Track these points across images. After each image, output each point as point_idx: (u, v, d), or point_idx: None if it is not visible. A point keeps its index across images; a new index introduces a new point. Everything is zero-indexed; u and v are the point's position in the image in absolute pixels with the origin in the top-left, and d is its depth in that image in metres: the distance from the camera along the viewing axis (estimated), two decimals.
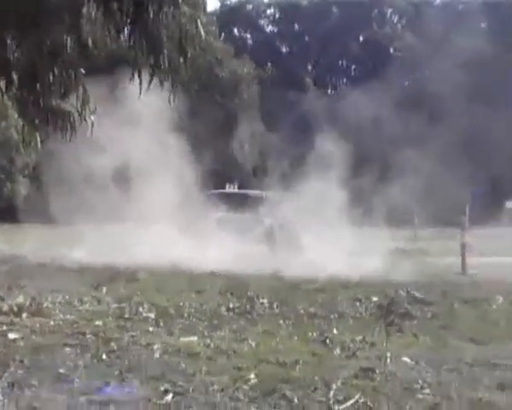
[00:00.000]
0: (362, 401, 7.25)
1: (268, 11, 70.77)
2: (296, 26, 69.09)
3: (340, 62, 68.29)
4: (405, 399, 7.29)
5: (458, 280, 19.32)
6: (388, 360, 9.11)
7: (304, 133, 50.74)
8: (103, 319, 12.17)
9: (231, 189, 32.27)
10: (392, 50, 64.88)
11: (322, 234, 24.99)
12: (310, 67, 67.51)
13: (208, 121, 43.74)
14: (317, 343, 10.51)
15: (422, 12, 63.07)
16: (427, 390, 7.71)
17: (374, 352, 9.68)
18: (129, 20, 9.59)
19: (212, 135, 42.07)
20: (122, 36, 10.09)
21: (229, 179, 40.25)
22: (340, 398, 7.40)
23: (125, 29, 9.75)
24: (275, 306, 14.11)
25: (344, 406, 7.15)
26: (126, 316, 12.63)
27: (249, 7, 70.11)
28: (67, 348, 9.77)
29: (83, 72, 10.02)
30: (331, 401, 7.29)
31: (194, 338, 10.71)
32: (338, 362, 9.19)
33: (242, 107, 53.00)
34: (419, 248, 28.17)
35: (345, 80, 67.24)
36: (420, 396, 7.50)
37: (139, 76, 9.98)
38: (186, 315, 12.87)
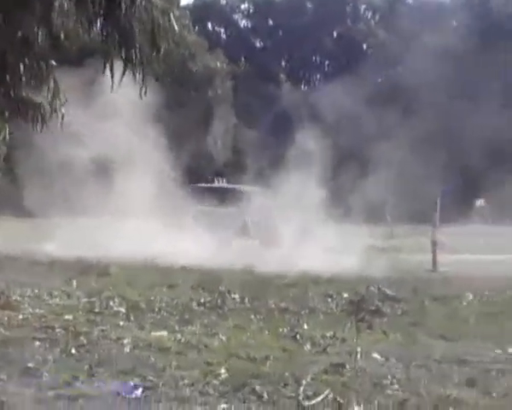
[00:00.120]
0: (331, 396, 7.25)
1: (242, 6, 70.62)
2: (270, 21, 68.98)
3: (314, 58, 68.28)
4: (374, 394, 7.31)
5: (429, 277, 19.44)
6: (358, 356, 9.12)
7: (279, 128, 50.76)
8: (73, 313, 12.09)
9: (219, 183, 32.14)
10: (365, 46, 64.99)
11: (299, 230, 25.08)
12: (283, 63, 67.46)
13: (182, 116, 43.62)
14: (288, 339, 10.52)
15: (396, 8, 63.29)
16: (397, 386, 7.73)
17: (344, 348, 9.70)
18: (101, 13, 9.54)
19: (186, 129, 41.95)
20: (95, 28, 10.03)
21: (202, 173, 40.19)
22: (310, 393, 7.39)
23: (98, 21, 9.69)
24: (246, 301, 14.11)
25: (314, 401, 7.14)
26: (97, 310, 12.57)
27: (223, 1, 69.94)
28: (36, 342, 9.69)
29: (54, 63, 9.95)
30: (301, 397, 7.28)
31: (165, 333, 10.67)
32: (308, 358, 9.19)
33: (216, 101, 52.86)
34: (391, 245, 28.31)
35: (318, 76, 67.29)
36: (389, 392, 7.53)
37: (111, 69, 9.93)
38: (157, 310, 12.82)
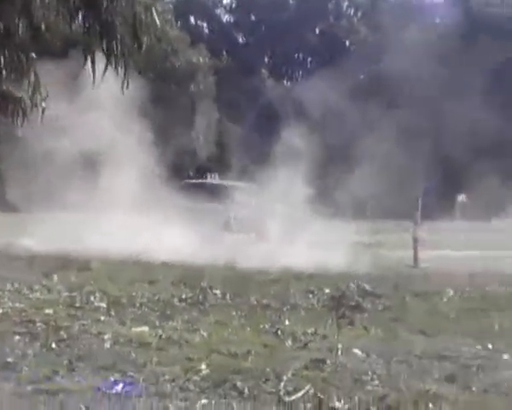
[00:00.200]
0: (312, 392, 7.26)
1: (224, 1, 70.53)
2: (253, 17, 68.92)
3: (297, 54, 68.31)
4: (355, 390, 7.33)
5: (410, 273, 19.51)
6: (339, 352, 9.14)
7: (262, 124, 50.79)
8: (54, 307, 12.05)
9: (212, 179, 32.10)
10: (348, 43, 65.07)
11: (284, 226, 25.13)
12: (266, 58, 67.43)
13: (164, 111, 43.52)
14: (269, 335, 10.53)
15: (378, 5, 63.38)
16: (377, 382, 7.75)
17: (325, 344, 9.71)
18: (82, 5, 9.48)
19: (169, 124, 41.85)
20: (76, 21, 9.97)
21: (185, 169, 40.16)
22: (291, 389, 7.40)
23: (79, 14, 9.63)
24: (228, 296, 14.11)
25: (294, 397, 7.15)
26: (77, 305, 12.54)
27: None
28: (16, 337, 9.65)
29: (34, 56, 9.88)
30: (282, 392, 7.28)
31: (146, 328, 10.65)
32: (289, 353, 9.20)
33: (199, 96, 52.80)
34: (374, 241, 28.35)
35: (301, 72, 67.30)
36: (369, 388, 7.55)
37: (92, 62, 9.87)
38: (138, 305, 12.80)
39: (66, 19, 9.76)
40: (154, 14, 9.89)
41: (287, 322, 11.46)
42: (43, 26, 9.61)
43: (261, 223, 26.37)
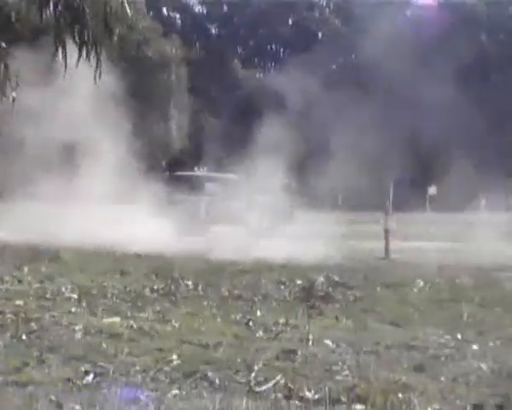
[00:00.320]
0: (283, 382, 7.29)
1: None
2: (225, 8, 68.86)
3: (269, 45, 68.35)
4: (325, 380, 7.37)
5: (381, 264, 19.63)
6: (310, 343, 9.19)
7: (235, 115, 50.76)
8: (24, 298, 11.99)
9: (200, 171, 32.05)
10: (320, 35, 65.19)
11: (259, 217, 25.19)
12: (239, 50, 67.41)
13: (137, 101, 43.39)
14: (241, 325, 10.55)
15: None
16: (347, 372, 7.80)
17: (296, 334, 9.75)
18: None
19: (142, 115, 41.73)
20: (47, 9, 9.91)
21: (158, 160, 40.00)
22: (262, 379, 7.43)
23: (50, 2, 9.57)
24: (199, 287, 14.11)
25: (265, 387, 7.18)
26: (48, 296, 12.48)
27: None
28: None
29: (4, 46, 9.82)
30: (252, 383, 7.31)
31: (117, 319, 10.63)
32: (260, 344, 9.23)
33: (171, 87, 52.66)
34: (346, 232, 28.44)
35: (273, 63, 67.37)
36: (339, 378, 7.59)
37: (64, 51, 9.82)
38: (109, 296, 12.77)
39: (37, 7, 9.71)
40: (125, 3, 9.87)
41: (258, 313, 11.49)
42: (13, 16, 9.55)
43: (234, 214, 26.41)
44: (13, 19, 9.54)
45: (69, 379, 7.28)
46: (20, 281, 14.02)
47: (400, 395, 6.76)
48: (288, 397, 6.83)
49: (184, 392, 7.00)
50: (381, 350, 8.97)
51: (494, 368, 8.04)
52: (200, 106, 53.54)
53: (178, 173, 31.87)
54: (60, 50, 9.70)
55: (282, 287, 14.40)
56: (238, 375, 7.64)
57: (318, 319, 10.76)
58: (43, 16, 9.98)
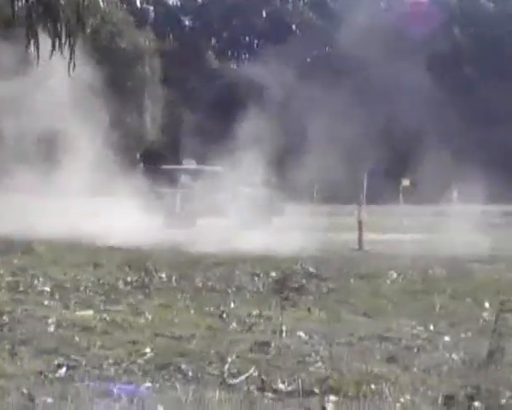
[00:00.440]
0: (256, 374, 7.31)
1: None
2: (199, 0, 68.71)
3: (243, 37, 68.27)
4: (298, 372, 7.39)
5: (355, 256, 19.70)
6: (283, 334, 9.21)
7: (209, 107, 50.65)
8: None
9: (190, 164, 31.90)
10: (294, 27, 65.20)
11: (238, 210, 25.20)
12: (213, 41, 67.27)
13: (111, 93, 43.20)
14: (214, 317, 10.55)
15: None
16: (320, 363, 7.83)
17: (269, 326, 9.77)
18: None
19: (116, 107, 41.53)
20: (20, 2, 9.87)
21: (132, 152, 39.84)
22: (235, 371, 7.44)
23: None
24: (173, 279, 14.11)
25: (238, 379, 7.19)
26: (21, 289, 12.42)
27: None
28: None
29: None
30: (226, 375, 7.32)
31: (90, 312, 10.60)
32: (234, 336, 9.24)
33: (145, 79, 52.48)
34: (320, 224, 28.51)
35: (247, 55, 67.31)
36: (312, 369, 7.62)
37: (36, 43, 9.78)
38: (82, 289, 12.73)
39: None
40: None
41: (232, 305, 11.51)
42: None
43: (209, 207, 26.41)
44: None
45: (41, 372, 7.25)
46: None
47: (373, 386, 6.80)
48: (261, 389, 6.85)
49: (157, 384, 7.00)
50: (354, 342, 9.02)
51: (465, 359, 8.10)
52: (175, 98, 53.35)
53: (164, 167, 31.76)
54: (32, 42, 9.66)
55: (256, 279, 14.42)
56: (211, 367, 7.65)
57: (292, 311, 10.78)
58: (15, 8, 9.93)
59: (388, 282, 14.52)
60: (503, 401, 6.59)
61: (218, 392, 6.58)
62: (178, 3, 69.73)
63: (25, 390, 6.56)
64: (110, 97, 38.05)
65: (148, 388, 6.82)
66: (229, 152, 28.20)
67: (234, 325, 10.00)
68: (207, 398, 6.41)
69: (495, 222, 32.42)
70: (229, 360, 7.82)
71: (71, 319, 9.96)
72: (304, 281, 13.81)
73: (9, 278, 13.43)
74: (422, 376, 7.45)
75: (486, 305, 11.06)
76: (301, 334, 9.31)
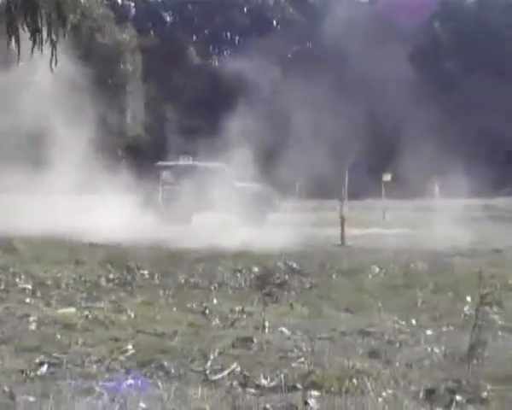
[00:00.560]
0: (238, 370, 7.31)
1: None
2: None
3: (225, 33, 68.20)
4: (280, 368, 7.40)
5: (337, 251, 19.71)
6: (265, 330, 9.21)
7: (190, 103, 50.52)
8: None
9: (186, 160, 31.79)
10: (275, 22, 65.19)
11: (217, 205, 25.17)
12: (194, 38, 67.15)
13: (93, 89, 43.08)
14: (196, 314, 10.55)
15: None
16: (302, 359, 7.84)
17: (251, 322, 9.77)
18: None
19: (98, 104, 41.41)
20: None
21: (112, 148, 39.71)
22: (218, 367, 7.43)
23: None
24: (156, 276, 14.08)
25: (221, 375, 7.18)
26: (2, 287, 12.36)
27: None
28: None
29: None
30: (208, 371, 7.31)
31: (72, 309, 10.58)
32: (216, 332, 9.24)
33: (127, 76, 52.34)
34: (302, 219, 28.55)
35: (229, 51, 67.25)
36: (294, 365, 7.62)
37: (17, 40, 9.72)
38: (64, 286, 12.70)
39: None
40: None
41: (214, 301, 11.50)
42: None
43: (204, 203, 26.34)
44: None
45: (22, 370, 7.22)
46: None
47: (355, 381, 6.81)
48: (243, 385, 6.84)
49: (139, 381, 6.97)
50: (337, 337, 9.03)
51: (447, 353, 8.14)
52: (156, 94, 53.24)
53: (160, 163, 31.63)
54: (13, 39, 9.61)
55: (239, 275, 14.43)
56: (194, 364, 7.64)
57: (274, 307, 10.79)
58: None
59: (370, 277, 14.56)
60: (484, 394, 6.62)
61: (200, 388, 6.57)
62: None
63: (6, 389, 6.53)
64: (92, 93, 37.96)
65: (129, 385, 6.80)
66: (212, 148, 28.18)
67: (216, 321, 10.00)
68: (189, 395, 6.40)
69: (476, 216, 32.57)
70: (212, 356, 7.81)
71: (52, 316, 9.93)
72: (286, 277, 13.83)
73: None
74: (404, 370, 7.47)
75: (468, 299, 11.09)
76: (283, 330, 9.32)
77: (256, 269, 14.87)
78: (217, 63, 65.67)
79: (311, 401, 6.28)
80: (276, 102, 40.59)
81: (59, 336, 8.74)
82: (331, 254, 18.16)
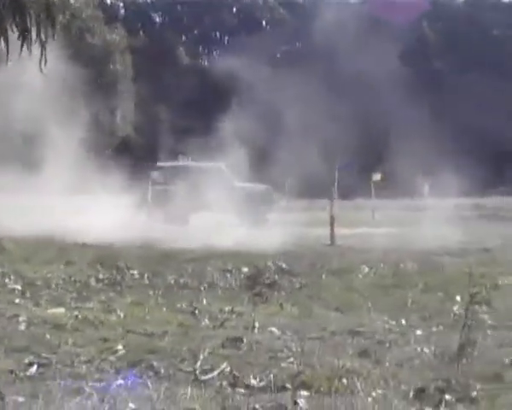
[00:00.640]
0: (228, 370, 7.30)
1: None
2: None
3: (214, 33, 68.16)
4: (270, 367, 7.39)
5: (327, 251, 19.71)
6: (255, 330, 9.21)
7: (180, 103, 50.46)
8: None
9: (185, 161, 31.69)
10: (264, 23, 65.20)
11: (218, 206, 25.13)
12: (183, 38, 67.08)
13: (84, 90, 43.01)
14: (186, 314, 10.54)
15: None
16: (292, 359, 7.84)
17: (241, 322, 9.77)
18: None
19: (88, 104, 41.36)
20: None
21: (102, 148, 39.62)
22: (207, 367, 7.42)
23: None
24: (145, 276, 14.06)
25: (210, 375, 7.18)
26: None
27: None
28: None
29: None
30: (198, 371, 7.30)
31: (62, 310, 10.55)
32: (206, 332, 9.23)
33: (115, 76, 52.26)
34: (292, 219, 28.54)
35: (218, 51, 67.21)
36: (284, 365, 7.62)
37: (6, 40, 9.69)
38: (54, 286, 12.68)
39: None
40: None
41: (204, 301, 11.49)
42: None
43: (202, 203, 26.29)
44: None
45: (12, 371, 7.21)
46: None
47: (345, 381, 6.81)
48: (233, 385, 6.84)
49: (129, 382, 6.97)
50: (327, 337, 9.03)
51: (437, 352, 8.15)
52: (145, 94, 53.17)
53: (159, 164, 31.56)
54: (2, 39, 9.58)
55: (228, 275, 14.42)
56: (183, 364, 7.64)
57: (264, 307, 10.79)
58: None
59: (360, 276, 14.56)
60: (474, 393, 6.63)
61: (189, 388, 6.56)
62: (148, 0, 69.52)
63: None
64: (82, 94, 37.88)
65: (119, 385, 6.79)
66: (202, 147, 28.14)
67: (206, 321, 10.00)
68: (179, 395, 6.39)
69: (466, 215, 32.62)
70: (202, 356, 7.80)
71: (42, 316, 9.91)
72: (276, 277, 13.82)
73: None
74: (394, 370, 7.47)
75: (457, 298, 11.11)
76: (273, 330, 9.32)
77: (246, 269, 14.85)
78: (206, 63, 65.63)
79: (301, 401, 6.28)
80: (265, 102, 40.53)
81: (48, 337, 8.73)
82: (321, 254, 18.15)
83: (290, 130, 32.89)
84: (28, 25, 9.70)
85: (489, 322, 9.52)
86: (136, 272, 14.50)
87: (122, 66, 53.22)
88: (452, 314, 10.25)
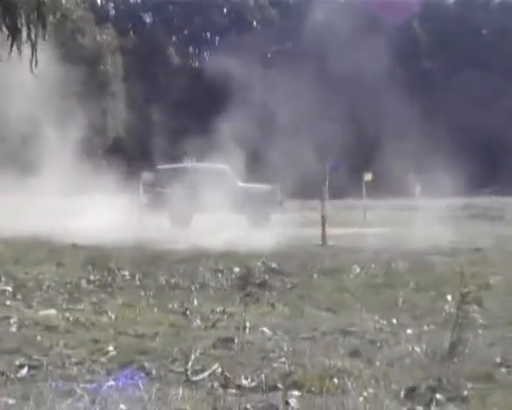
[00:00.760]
0: (219, 370, 7.30)
1: None
2: None
3: (204, 33, 68.16)
4: (261, 368, 7.40)
5: (318, 251, 19.71)
6: (247, 330, 9.21)
7: (171, 104, 50.43)
8: None
9: (188, 162, 31.62)
10: (254, 23, 65.23)
11: (199, 207, 25.10)
12: (174, 38, 67.05)
13: (74, 90, 43.00)
14: (177, 314, 10.53)
15: None
16: (283, 359, 7.84)
17: (233, 322, 9.77)
18: None
19: (79, 105, 41.33)
20: None
21: (93, 149, 39.55)
22: (199, 368, 7.42)
23: None
24: (136, 277, 14.06)
25: (202, 376, 7.18)
26: None
27: None
28: None
29: None
30: (189, 372, 7.30)
31: (53, 311, 10.54)
32: (197, 333, 9.23)
33: (106, 76, 52.21)
34: (283, 219, 28.55)
35: (209, 51, 67.21)
36: (275, 365, 7.63)
37: None
38: (45, 288, 12.65)
39: None
40: None
41: (195, 301, 11.49)
42: None
43: (205, 205, 26.27)
44: None
45: (3, 373, 7.19)
46: None
47: (336, 381, 6.82)
48: (224, 386, 6.84)
49: (120, 383, 6.96)
50: (318, 336, 9.04)
51: (428, 351, 8.16)
52: (136, 94, 53.12)
53: (161, 166, 31.48)
54: None
55: (220, 275, 14.42)
56: (175, 364, 7.64)
57: (255, 307, 10.78)
58: None
59: (351, 276, 14.57)
60: (465, 392, 6.65)
61: (181, 389, 6.56)
62: (139, 0, 69.47)
63: None
64: (72, 94, 37.84)
65: (110, 386, 6.78)
66: (194, 148, 28.10)
67: (197, 321, 10.00)
68: (170, 395, 6.39)
69: (458, 215, 32.71)
70: (193, 357, 7.80)
71: (33, 318, 9.89)
72: (267, 277, 13.83)
73: None
74: (385, 369, 7.48)
75: (448, 297, 11.12)
76: (265, 330, 9.32)
77: (237, 269, 14.85)
78: (197, 64, 65.63)
79: (292, 401, 6.29)
80: (256, 102, 40.56)
81: (39, 338, 8.71)
82: (312, 254, 18.16)
83: (280, 130, 32.94)
84: (18, 25, 9.68)
85: (480, 321, 9.54)
86: (127, 273, 14.48)
87: (113, 66, 53.17)
88: (443, 313, 10.26)
